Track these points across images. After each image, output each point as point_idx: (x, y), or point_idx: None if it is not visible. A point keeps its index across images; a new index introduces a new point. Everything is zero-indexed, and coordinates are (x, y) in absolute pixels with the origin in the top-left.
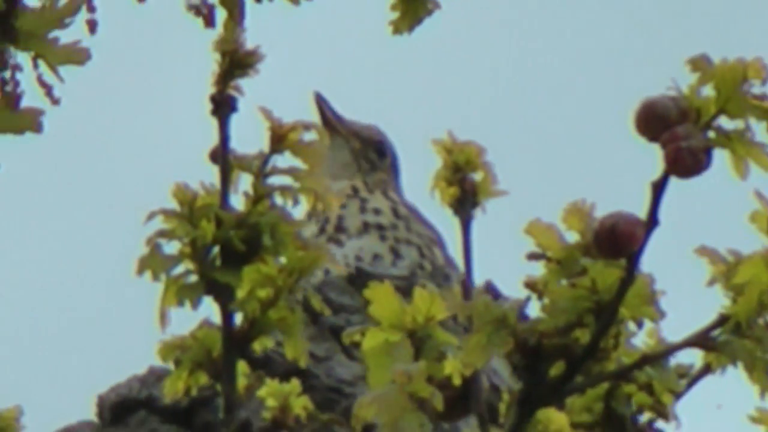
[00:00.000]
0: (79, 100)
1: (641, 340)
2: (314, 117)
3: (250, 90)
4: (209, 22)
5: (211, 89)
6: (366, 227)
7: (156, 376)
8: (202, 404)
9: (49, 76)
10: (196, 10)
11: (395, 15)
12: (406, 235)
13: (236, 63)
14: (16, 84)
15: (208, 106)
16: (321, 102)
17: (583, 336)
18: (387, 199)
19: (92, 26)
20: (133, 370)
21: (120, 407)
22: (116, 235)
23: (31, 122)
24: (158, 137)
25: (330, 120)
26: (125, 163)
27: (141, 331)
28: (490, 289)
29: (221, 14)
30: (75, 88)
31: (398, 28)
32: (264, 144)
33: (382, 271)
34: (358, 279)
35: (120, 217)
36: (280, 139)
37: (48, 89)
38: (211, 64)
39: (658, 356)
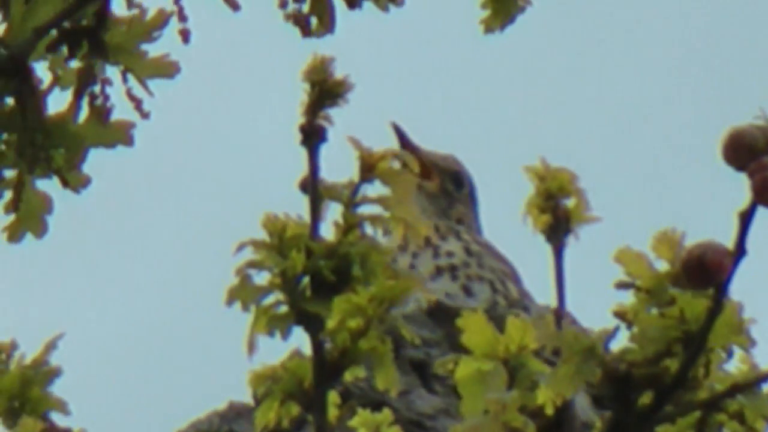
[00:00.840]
0: (170, 116)
1: (735, 365)
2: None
3: (337, 118)
4: (306, 31)
5: (301, 119)
6: (439, 271)
7: (235, 412)
8: None
9: (138, 90)
10: (294, 18)
11: (486, 13)
12: (478, 271)
13: (326, 93)
14: (106, 98)
15: (298, 136)
16: (398, 132)
17: (673, 365)
18: (459, 241)
19: (185, 36)
20: (213, 404)
21: None
22: (206, 266)
23: (123, 135)
24: (249, 167)
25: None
26: (215, 192)
27: (221, 365)
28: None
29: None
30: (165, 102)
31: (490, 26)
32: (353, 173)
33: (461, 303)
34: (438, 312)
35: (210, 247)
36: (369, 168)
37: (137, 103)
38: (300, 92)
39: (749, 384)
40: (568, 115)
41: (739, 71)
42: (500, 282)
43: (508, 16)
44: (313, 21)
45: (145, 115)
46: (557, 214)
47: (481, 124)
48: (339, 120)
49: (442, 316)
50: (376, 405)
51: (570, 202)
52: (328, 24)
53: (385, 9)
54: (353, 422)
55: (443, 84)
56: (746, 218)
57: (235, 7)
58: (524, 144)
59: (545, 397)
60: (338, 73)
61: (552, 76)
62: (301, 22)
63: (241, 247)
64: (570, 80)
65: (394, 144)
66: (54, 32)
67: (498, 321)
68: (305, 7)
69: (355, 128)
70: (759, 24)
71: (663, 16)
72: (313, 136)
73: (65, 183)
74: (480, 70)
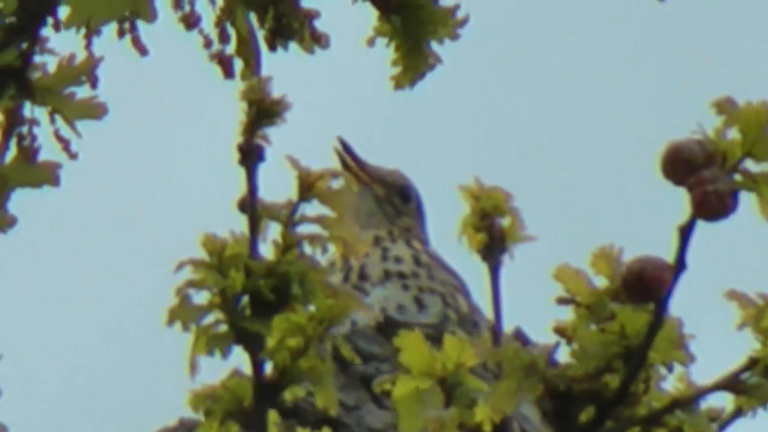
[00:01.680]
0: (100, 154)
1: (671, 384)
2: (336, 163)
3: (275, 138)
4: (228, 72)
5: (238, 138)
6: (387, 275)
7: (186, 429)
8: None
9: (66, 131)
10: (218, 59)
11: (396, 70)
12: (429, 283)
13: (263, 112)
14: (33, 138)
15: (236, 156)
16: (344, 147)
17: (613, 381)
18: (409, 248)
19: (93, 82)
20: (163, 421)
21: None
22: (145, 287)
23: (49, 176)
24: (186, 187)
25: (352, 166)
26: (153, 214)
27: (170, 382)
28: (520, 336)
29: (239, 64)
30: (95, 142)
31: (400, 83)
32: (292, 192)
33: (411, 319)
34: (387, 328)
35: (148, 268)
36: (308, 188)
37: (65, 144)
38: (238, 113)
39: (689, 400)
40: (503, 132)
41: (677, 83)
42: (451, 296)
43: (417, 73)
44: (239, 64)
45: (72, 156)
46: (492, 233)
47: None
48: (277, 140)
49: (392, 331)
50: (326, 421)
51: (505, 221)
52: (253, 67)
53: (310, 51)
54: None
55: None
56: (686, 232)
57: (144, 51)
58: (459, 162)
59: (483, 415)
60: (275, 93)
61: (484, 91)
62: (223, 63)
63: (180, 267)
64: (503, 95)
65: (336, 160)
66: None
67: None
68: (230, 49)
69: (293, 148)
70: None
71: (586, 23)
72: (251, 156)
73: None
74: (415, 92)
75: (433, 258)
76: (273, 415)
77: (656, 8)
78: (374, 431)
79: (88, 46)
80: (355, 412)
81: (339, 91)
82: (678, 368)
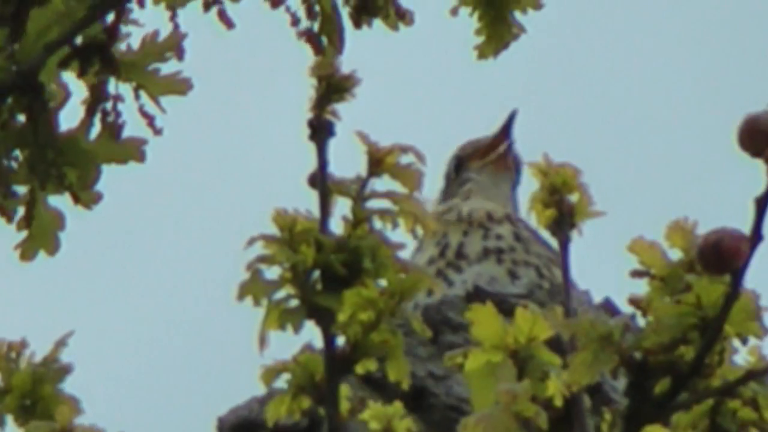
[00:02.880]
0: (180, 129)
1: (742, 357)
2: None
3: (346, 115)
4: (317, 49)
5: (309, 114)
6: (486, 253)
7: (259, 403)
8: (322, 424)
9: (150, 107)
10: (307, 37)
11: (480, 39)
12: (525, 256)
13: (333, 87)
14: (118, 115)
15: (306, 131)
16: (511, 120)
17: (688, 353)
18: (512, 225)
19: (180, 54)
20: (253, 391)
21: (240, 428)
22: (218, 262)
23: (134, 152)
24: (258, 163)
25: (509, 142)
26: (226, 190)
27: (242, 359)
28: (609, 306)
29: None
30: (176, 118)
31: (484, 53)
32: (362, 168)
33: (500, 289)
34: (477, 298)
35: (222, 243)
36: (377, 163)
37: (150, 120)
38: (308, 89)
39: (764, 372)
40: (574, 107)
41: (756, 56)
42: (546, 267)
43: (501, 43)
44: (324, 40)
45: (157, 132)
46: (561, 209)
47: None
48: (347, 116)
49: (482, 301)
50: (418, 391)
51: (574, 197)
52: (337, 44)
53: (395, 28)
54: (364, 415)
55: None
56: (763, 204)
57: (230, 24)
58: (529, 140)
59: (555, 388)
60: (345, 69)
61: (555, 67)
62: (312, 40)
63: (251, 243)
64: (575, 71)
65: (500, 129)
66: (66, 48)
67: (541, 305)
68: (316, 26)
69: (363, 124)
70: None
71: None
72: (321, 131)
73: (77, 199)
74: (481, 71)
75: (532, 232)
76: (345, 389)
77: None
78: (463, 401)
79: (173, 18)
80: (444, 381)
81: (420, 63)
82: (751, 341)
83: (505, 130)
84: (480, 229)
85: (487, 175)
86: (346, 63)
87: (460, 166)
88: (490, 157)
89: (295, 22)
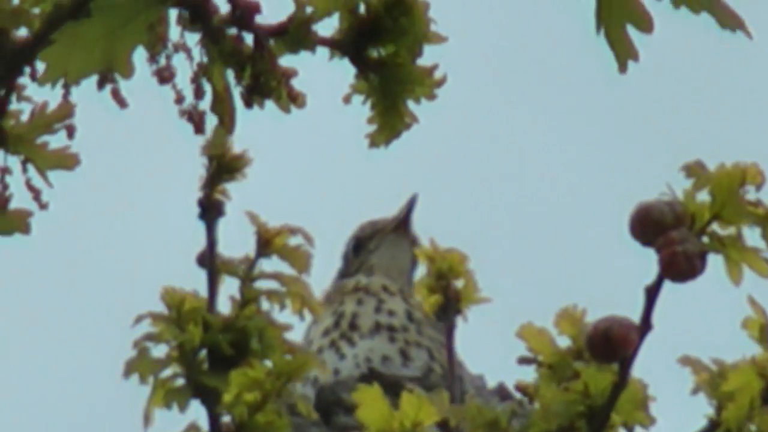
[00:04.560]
0: (67, 204)
1: None
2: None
3: (236, 194)
4: (199, 128)
5: (199, 193)
6: (378, 328)
7: None
8: None
9: (37, 181)
10: (189, 115)
11: (372, 128)
12: (417, 338)
13: (224, 167)
14: (5, 187)
15: (196, 210)
16: (412, 203)
17: None
18: (405, 303)
19: (70, 132)
20: None
21: None
22: (105, 339)
23: (20, 224)
24: (146, 241)
25: (410, 222)
26: (113, 267)
27: None
28: (503, 391)
29: (212, 121)
30: (63, 193)
31: (375, 141)
32: (251, 248)
33: (394, 371)
34: (372, 379)
35: (109, 320)
36: (266, 244)
37: (36, 193)
38: (199, 168)
39: None
40: (466, 194)
41: (647, 146)
42: (438, 351)
43: (393, 132)
44: (213, 121)
45: (43, 206)
46: (447, 295)
47: (377, 209)
48: (237, 195)
49: (376, 382)
50: None
51: (460, 283)
52: (228, 124)
53: (287, 110)
54: None
55: (340, 173)
56: (653, 293)
57: (123, 104)
58: (422, 228)
59: None
60: (236, 149)
61: (448, 154)
62: (195, 119)
63: (139, 320)
64: (468, 159)
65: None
66: None
67: (432, 389)
68: (204, 105)
69: (254, 204)
70: (668, 96)
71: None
72: (210, 211)
73: None
74: (372, 157)
75: (425, 315)
76: None
77: (631, 71)
78: None
79: (66, 96)
80: None
81: (311, 148)
82: (638, 430)
83: (406, 213)
84: (374, 298)
85: (387, 248)
86: (237, 143)
87: (359, 246)
88: (389, 225)
89: (180, 99)
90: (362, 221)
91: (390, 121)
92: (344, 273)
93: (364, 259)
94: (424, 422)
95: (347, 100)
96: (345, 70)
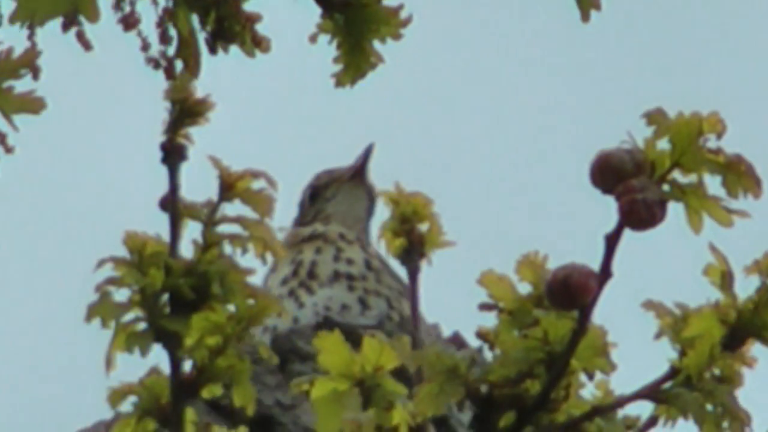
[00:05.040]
0: (31, 148)
1: (590, 392)
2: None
3: (200, 139)
4: (170, 74)
5: (162, 137)
6: (336, 276)
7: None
8: None
9: (3, 125)
10: (155, 63)
11: (338, 68)
12: (376, 286)
13: (186, 111)
14: None
15: (159, 154)
16: (368, 152)
17: (534, 387)
18: (363, 252)
19: (35, 73)
20: (100, 414)
21: None
22: (68, 283)
23: None
24: (109, 185)
25: (366, 171)
26: (77, 212)
27: (89, 380)
28: (457, 340)
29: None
30: (28, 136)
31: (341, 81)
32: (213, 192)
33: (350, 320)
34: (327, 327)
35: (71, 264)
36: (229, 188)
37: (2, 137)
38: (162, 113)
39: (609, 408)
40: (429, 139)
41: (608, 92)
42: (396, 300)
43: (358, 72)
44: (179, 65)
45: (9, 150)
46: (411, 239)
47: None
48: (200, 140)
49: (331, 331)
50: (265, 420)
51: (424, 227)
52: (193, 68)
53: (251, 55)
54: None
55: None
56: (613, 241)
57: (88, 47)
58: (384, 172)
59: (400, 418)
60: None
61: (412, 98)
62: (164, 64)
63: (101, 264)
64: (432, 102)
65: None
66: None
67: (390, 336)
68: (170, 51)
69: (217, 148)
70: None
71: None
72: (173, 155)
73: None
74: (338, 99)
75: (383, 263)
76: (190, 413)
77: (593, 20)
78: (310, 430)
79: (31, 38)
80: (292, 410)
81: (275, 93)
82: (598, 376)
83: (362, 162)
84: (332, 246)
85: (343, 197)
86: (201, 87)
87: (315, 195)
88: (345, 174)
89: (146, 47)
90: (318, 170)
91: (355, 61)
92: (300, 221)
93: (321, 208)
94: (385, 366)
95: (313, 39)
96: (310, 12)
